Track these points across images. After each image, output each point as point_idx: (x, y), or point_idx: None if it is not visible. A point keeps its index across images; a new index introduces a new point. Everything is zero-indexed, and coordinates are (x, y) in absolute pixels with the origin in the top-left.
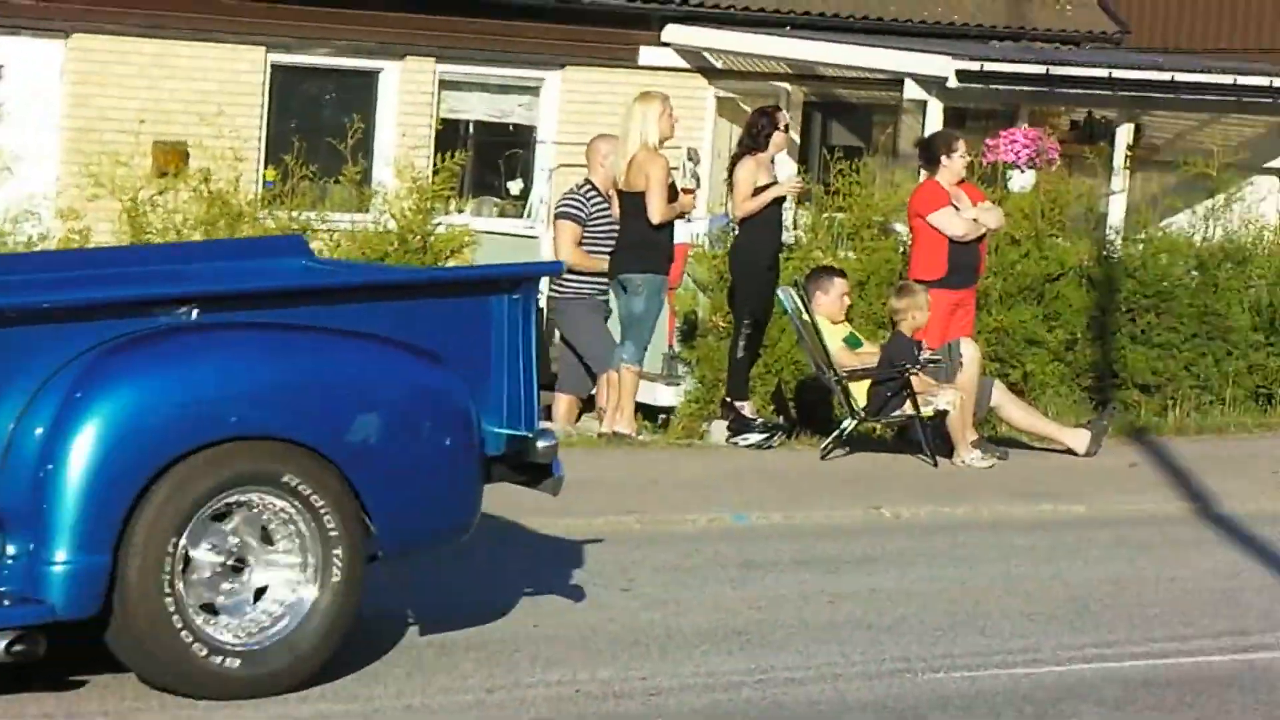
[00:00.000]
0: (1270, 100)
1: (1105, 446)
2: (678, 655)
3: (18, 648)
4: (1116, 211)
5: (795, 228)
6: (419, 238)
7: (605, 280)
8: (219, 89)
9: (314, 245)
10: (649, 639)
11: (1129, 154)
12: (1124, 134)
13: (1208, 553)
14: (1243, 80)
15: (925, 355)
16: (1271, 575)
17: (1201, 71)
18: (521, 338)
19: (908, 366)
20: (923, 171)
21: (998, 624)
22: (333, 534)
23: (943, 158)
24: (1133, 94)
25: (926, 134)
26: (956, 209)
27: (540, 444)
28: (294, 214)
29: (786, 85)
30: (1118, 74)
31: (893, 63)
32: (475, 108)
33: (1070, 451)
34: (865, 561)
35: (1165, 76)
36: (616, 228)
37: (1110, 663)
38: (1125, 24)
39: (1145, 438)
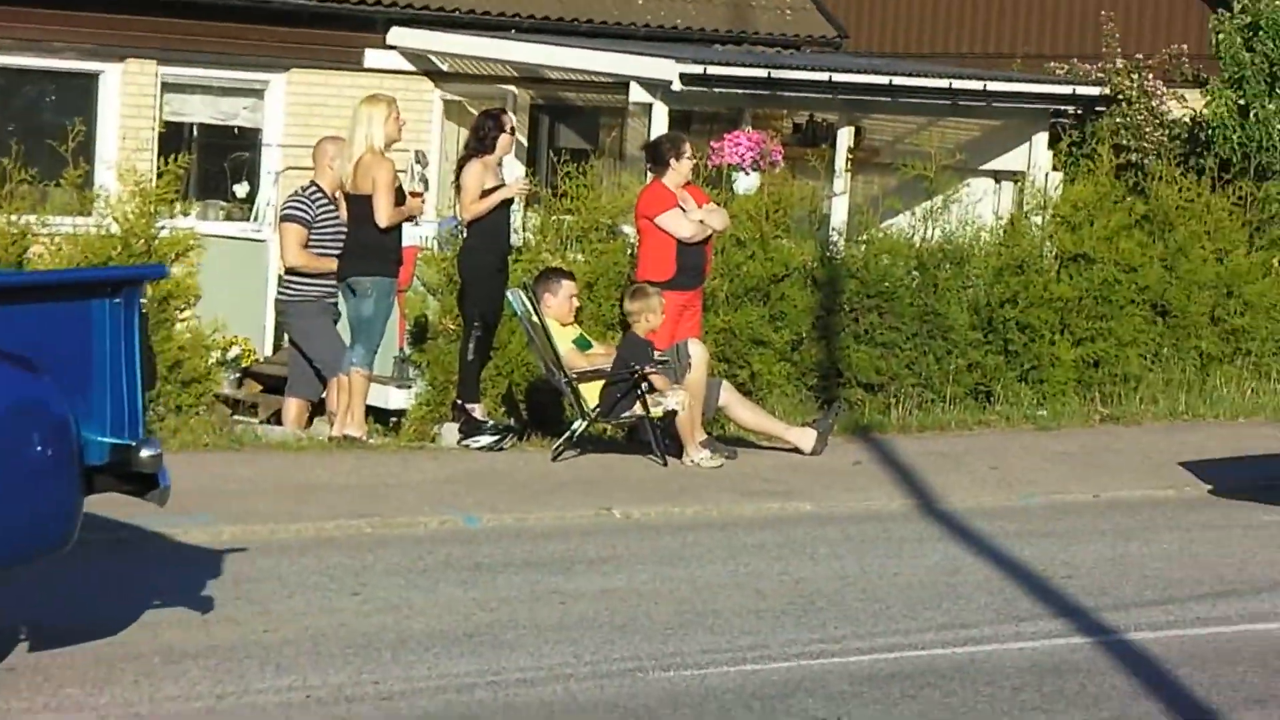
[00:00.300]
0: (984, 104)
1: (831, 445)
2: (410, 658)
3: None
4: (839, 213)
5: (524, 230)
6: (142, 241)
7: (333, 283)
8: None
9: (35, 249)
10: (380, 642)
11: (850, 156)
12: (845, 136)
13: (930, 548)
14: (958, 84)
15: (657, 355)
16: (990, 569)
17: (918, 75)
18: (124, 343)
19: (638, 367)
20: (650, 174)
21: (727, 621)
22: None
23: (669, 160)
24: (852, 97)
25: (653, 137)
26: (684, 211)
27: (144, 453)
28: (13, 217)
29: (513, 88)
30: (838, 77)
31: (618, 66)
32: (199, 110)
33: (797, 450)
34: (596, 562)
35: (883, 80)
36: (344, 230)
37: (836, 657)
38: (844, 29)
39: (869, 436)
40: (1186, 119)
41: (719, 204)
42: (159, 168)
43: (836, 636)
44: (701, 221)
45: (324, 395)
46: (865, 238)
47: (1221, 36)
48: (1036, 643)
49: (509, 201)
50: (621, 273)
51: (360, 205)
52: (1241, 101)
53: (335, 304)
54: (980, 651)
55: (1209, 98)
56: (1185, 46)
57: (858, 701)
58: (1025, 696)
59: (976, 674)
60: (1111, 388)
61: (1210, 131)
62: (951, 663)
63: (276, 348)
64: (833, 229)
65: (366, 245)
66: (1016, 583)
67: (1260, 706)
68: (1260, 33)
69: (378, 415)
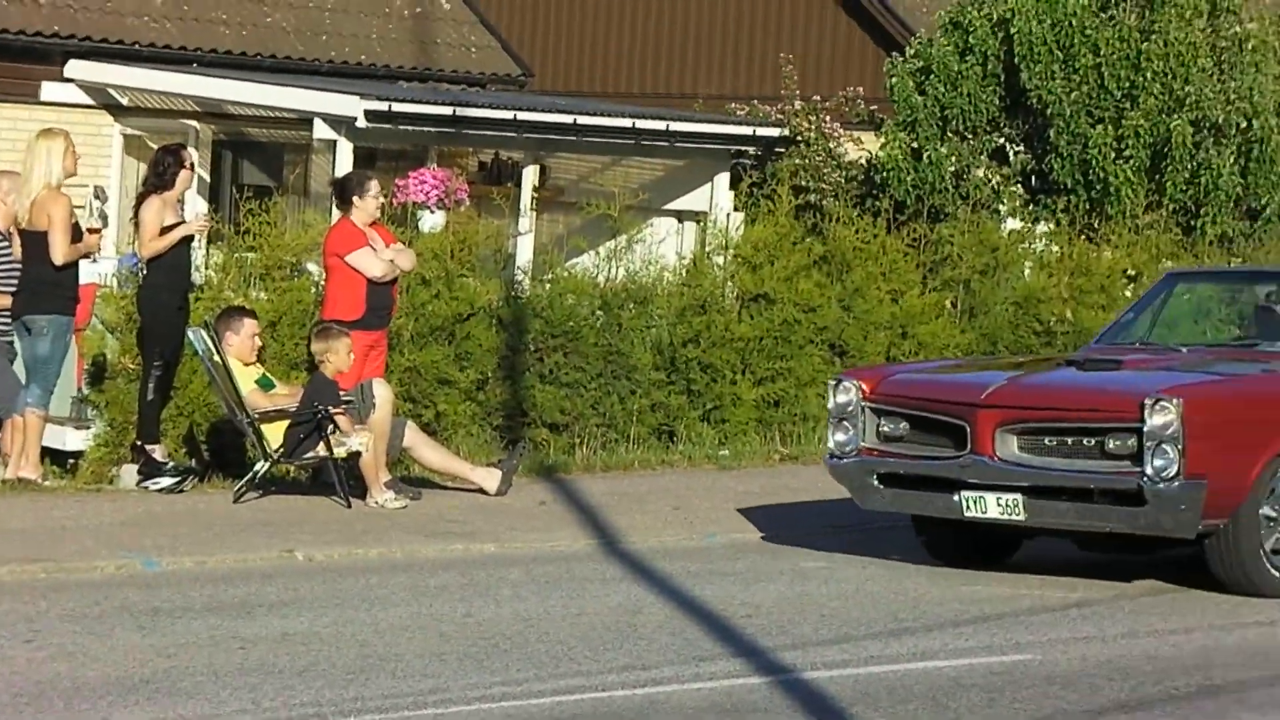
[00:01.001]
0: (667, 144)
1: (516, 485)
2: (83, 706)
3: None
4: (524, 252)
5: (205, 267)
6: None
7: (8, 321)
8: None
9: None
10: (54, 691)
11: (535, 195)
12: (530, 175)
13: (613, 588)
14: (641, 124)
15: (342, 395)
16: (672, 609)
17: (602, 115)
18: None
19: (322, 408)
20: (337, 211)
21: (409, 665)
22: None
23: (355, 198)
24: (537, 136)
25: (338, 174)
26: (374, 250)
27: None
28: None
29: (195, 123)
30: (523, 116)
31: (301, 102)
32: None
33: (482, 491)
34: (278, 605)
35: (568, 119)
36: (19, 267)
37: (518, 700)
38: (529, 68)
39: (555, 476)
40: (863, 161)
41: (405, 242)
42: None
43: (519, 679)
44: (391, 261)
45: None
46: (550, 277)
47: (895, 80)
48: (716, 683)
49: (190, 238)
50: (305, 311)
51: (35, 242)
52: (915, 144)
53: (11, 343)
54: (661, 692)
55: (883, 140)
56: (861, 89)
57: None
58: None
59: (657, 715)
60: (791, 427)
61: (885, 174)
62: (632, 704)
63: None
64: (518, 268)
65: (42, 282)
66: (698, 623)
67: None
68: (931, 76)
69: (54, 457)
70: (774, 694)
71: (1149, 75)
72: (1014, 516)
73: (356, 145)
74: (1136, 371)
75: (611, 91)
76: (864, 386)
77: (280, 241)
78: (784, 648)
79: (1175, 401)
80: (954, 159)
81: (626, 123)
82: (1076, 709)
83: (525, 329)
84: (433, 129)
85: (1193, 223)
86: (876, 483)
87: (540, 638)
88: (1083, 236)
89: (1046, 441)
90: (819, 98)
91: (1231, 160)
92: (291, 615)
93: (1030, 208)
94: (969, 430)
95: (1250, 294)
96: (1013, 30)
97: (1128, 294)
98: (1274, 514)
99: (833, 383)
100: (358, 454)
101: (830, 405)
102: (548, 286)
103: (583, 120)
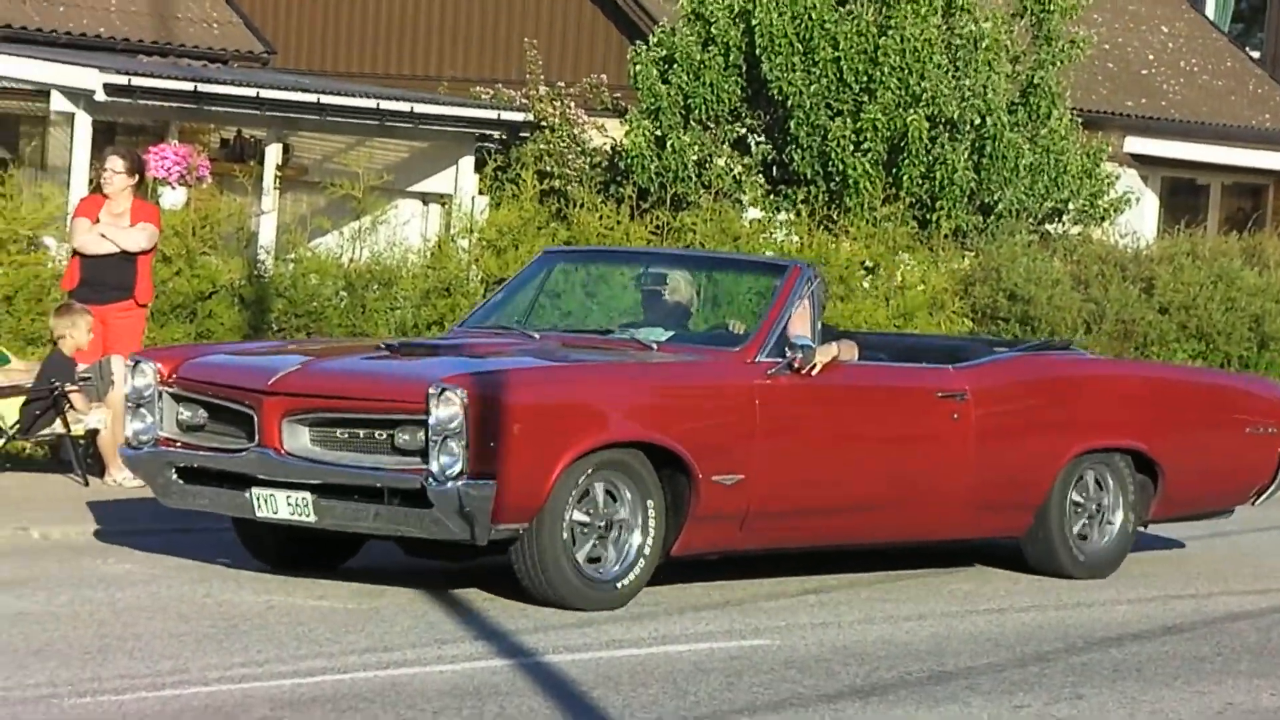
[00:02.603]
0: (412, 125)
1: None
2: None
3: None
4: (267, 231)
5: None
6: None
7: None
8: None
9: None
10: None
11: (278, 174)
12: (273, 153)
13: (356, 572)
14: (386, 105)
15: (79, 371)
16: (414, 592)
17: (347, 95)
18: None
19: (59, 385)
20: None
21: (148, 645)
22: None
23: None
24: (281, 114)
25: (76, 147)
26: (94, 221)
27: None
28: None
29: None
30: (265, 94)
31: (38, 73)
32: None
33: None
34: (12, 584)
35: (312, 98)
36: None
37: (259, 681)
38: (272, 45)
39: None
40: (607, 148)
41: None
42: None
43: (259, 660)
44: (103, 236)
45: None
46: (294, 257)
47: (639, 68)
48: (458, 665)
49: None
50: (42, 286)
51: None
52: (658, 132)
53: None
54: (402, 675)
55: (627, 128)
56: (605, 76)
57: None
58: (445, 719)
59: (398, 697)
60: None
61: (629, 161)
62: (373, 686)
63: None
64: (261, 247)
65: None
66: (440, 606)
67: None
68: (675, 65)
69: None
70: (516, 677)
71: (886, 70)
72: (304, 517)
73: (95, 119)
74: (441, 358)
75: (356, 71)
76: (162, 369)
77: (16, 215)
78: (526, 631)
79: (459, 392)
80: (696, 148)
81: (371, 103)
82: (813, 693)
83: (268, 308)
84: (174, 104)
85: (928, 216)
86: (175, 477)
87: (281, 619)
88: (822, 227)
89: (339, 434)
90: (564, 84)
91: (966, 156)
92: (26, 594)
93: (771, 198)
94: (256, 420)
95: (628, 276)
96: (754, 22)
97: (865, 285)
98: (586, 519)
99: (130, 364)
100: (96, 431)
101: (128, 390)
102: (291, 266)
103: (326, 99)
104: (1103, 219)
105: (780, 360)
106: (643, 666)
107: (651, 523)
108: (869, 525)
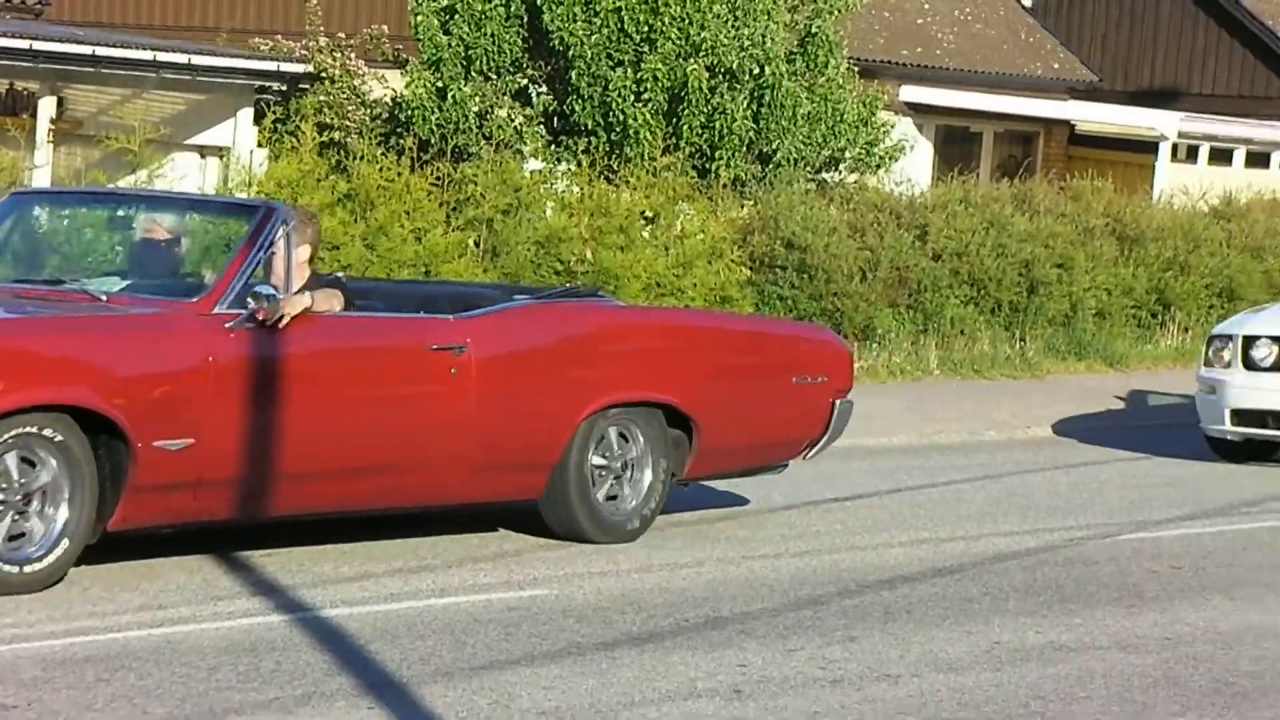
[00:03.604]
0: (189, 77)
1: None
2: None
3: None
4: (41, 185)
5: None
6: None
7: None
8: None
9: None
10: None
11: (52, 127)
12: (47, 107)
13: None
14: (162, 56)
15: None
16: (188, 549)
17: (122, 46)
18: None
19: None
20: None
21: None
22: None
23: None
24: (54, 66)
25: None
26: None
27: None
28: None
29: None
30: (39, 45)
31: None
32: None
33: None
34: None
35: (86, 50)
36: None
37: (30, 642)
38: None
39: None
40: (388, 99)
41: None
42: None
43: (31, 620)
44: None
45: None
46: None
47: (420, 19)
48: (234, 621)
49: None
50: None
51: None
52: (439, 84)
53: None
54: (177, 632)
55: (408, 79)
56: (386, 27)
57: (50, 687)
58: (221, 676)
59: (173, 655)
60: None
61: (410, 112)
62: (148, 644)
63: None
64: None
65: None
66: (216, 563)
67: (447, 679)
68: (456, 16)
69: None
70: (292, 632)
71: (666, 20)
72: None
73: None
74: None
75: (132, 23)
76: None
77: None
78: (304, 586)
79: None
80: (478, 99)
81: (147, 55)
82: (590, 642)
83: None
84: None
85: (708, 166)
86: None
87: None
88: (602, 178)
89: None
90: (344, 35)
91: (745, 105)
92: None
93: (552, 149)
94: None
95: (103, 219)
96: None
97: (645, 235)
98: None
99: None
100: None
101: None
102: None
103: (101, 51)
104: (878, 167)
105: (242, 312)
106: (420, 619)
107: (84, 495)
108: (358, 492)
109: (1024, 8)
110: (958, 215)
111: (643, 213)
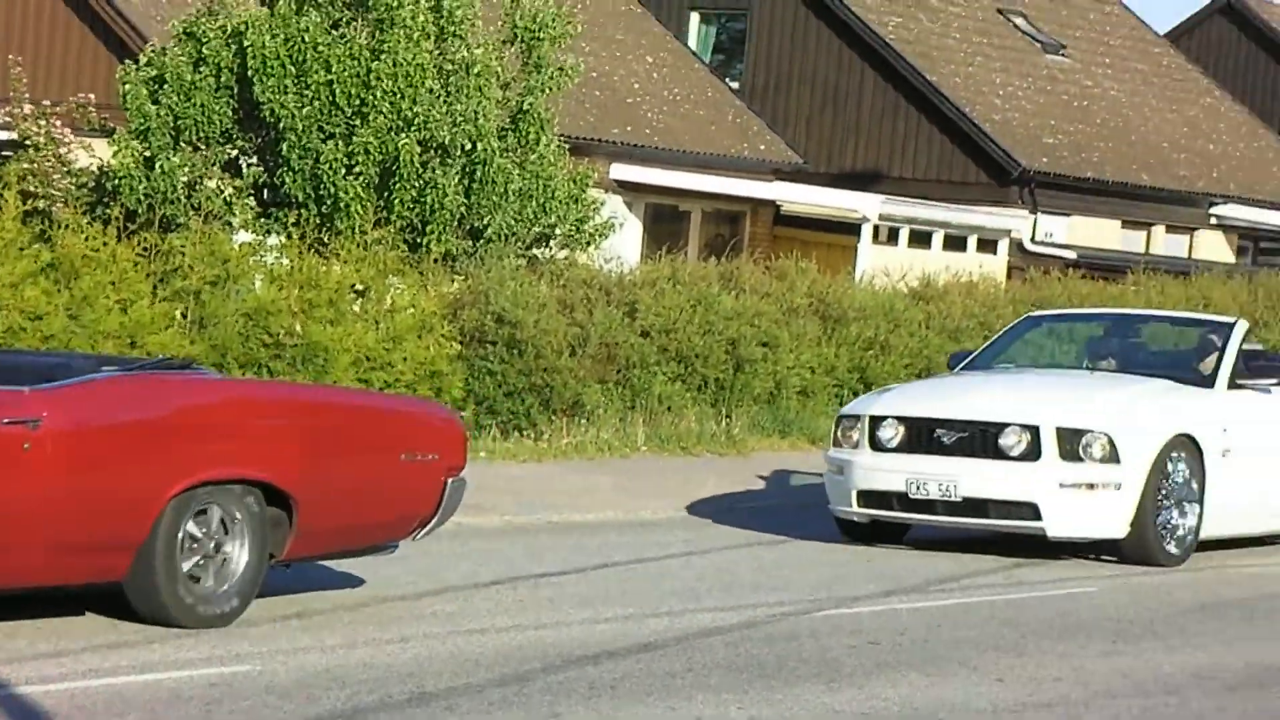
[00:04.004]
0: None
1: None
2: None
3: None
4: None
5: None
6: None
7: None
8: None
9: None
10: None
11: None
12: None
13: None
14: None
15: None
16: None
17: None
18: None
19: None
20: None
21: None
22: None
23: None
24: None
25: None
26: None
27: None
28: None
29: None
30: None
31: None
32: None
33: None
34: None
35: None
36: None
37: None
38: None
39: None
40: (94, 168)
41: None
42: None
43: None
44: None
45: None
46: None
47: (128, 88)
48: None
49: None
50: None
51: None
52: (147, 154)
53: None
54: None
55: (115, 148)
56: (93, 96)
57: None
58: None
59: None
60: None
61: (117, 182)
62: None
63: None
64: None
65: None
66: None
67: None
68: (165, 86)
69: None
70: None
71: (379, 94)
72: None
73: None
74: None
75: None
76: None
77: None
78: None
79: None
80: (187, 169)
81: None
82: (293, 718)
83: None
84: None
85: (419, 240)
86: None
87: None
88: (313, 250)
89: None
90: (49, 102)
91: (456, 180)
92: None
93: (262, 220)
94: None
95: None
96: (246, 44)
97: (355, 308)
98: None
99: None
100: None
101: None
102: None
103: None
104: (588, 244)
105: None
106: (120, 696)
107: None
108: None
109: (732, 90)
110: (666, 293)
111: (353, 286)
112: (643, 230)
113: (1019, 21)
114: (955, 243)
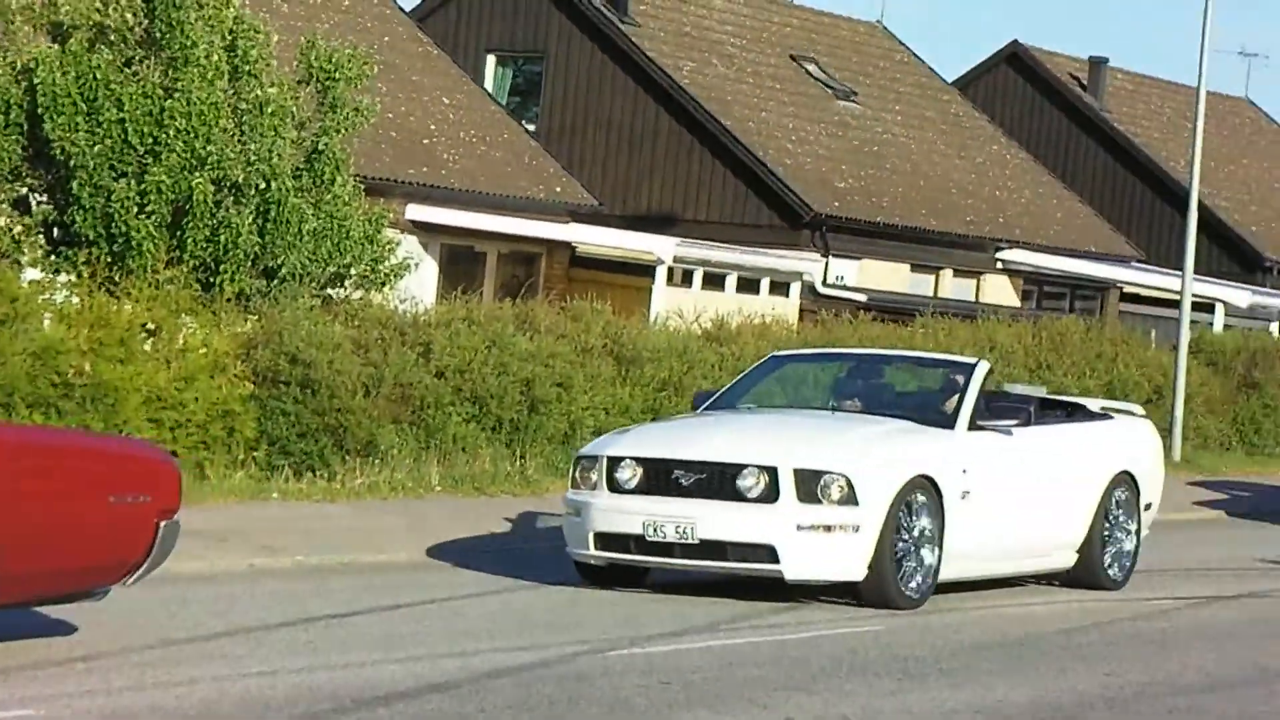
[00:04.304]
0: None
1: None
2: None
3: None
4: None
5: None
6: None
7: None
8: None
9: None
10: None
11: None
12: None
13: None
14: None
15: None
16: None
17: None
18: None
19: None
20: None
21: None
22: None
23: None
24: None
25: None
26: None
27: None
28: None
29: None
30: None
31: None
32: None
33: None
34: None
35: None
36: None
37: None
38: None
39: None
40: None
41: None
42: None
43: None
44: None
45: None
46: None
47: None
48: None
49: None
50: None
51: None
52: None
53: None
54: None
55: None
56: None
57: None
58: None
59: None
60: None
61: None
62: None
63: None
64: None
65: None
66: None
67: None
68: None
69: None
70: None
71: (172, 133)
72: None
73: None
74: None
75: None
76: None
77: None
78: None
79: None
80: None
81: None
82: None
83: None
84: None
85: (212, 279)
86: None
87: None
88: (103, 289)
89: None
90: None
91: (250, 219)
92: None
93: (52, 258)
94: None
95: None
96: (36, 80)
97: (146, 348)
98: None
99: None
100: None
101: None
102: None
103: None
104: (384, 284)
105: None
106: None
107: None
108: None
109: (529, 132)
110: (461, 333)
111: (144, 325)
112: (438, 271)
113: (811, 68)
114: (748, 285)
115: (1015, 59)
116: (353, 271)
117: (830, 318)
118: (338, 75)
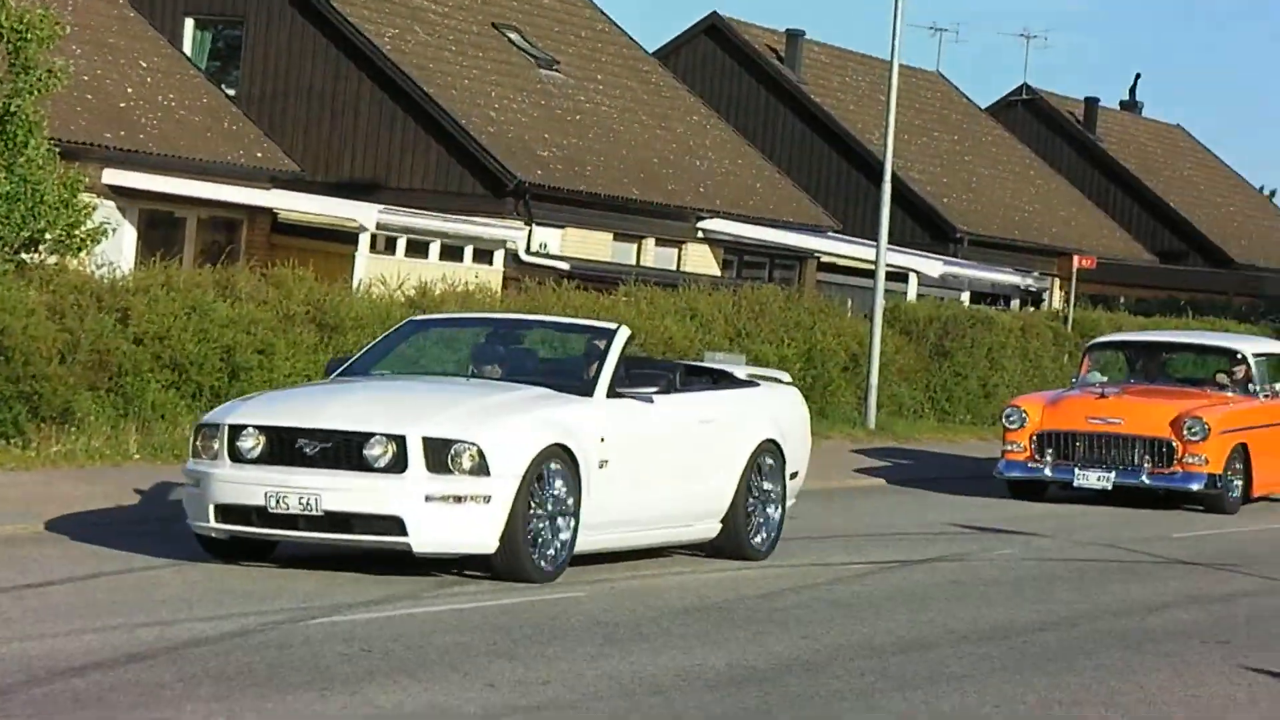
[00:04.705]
0: None
1: None
2: None
3: None
4: None
5: None
6: None
7: None
8: None
9: None
10: None
11: None
12: None
13: None
14: None
15: None
16: None
17: None
18: None
19: None
20: None
21: None
22: None
23: None
24: None
25: None
26: None
27: None
28: None
29: None
30: None
31: None
32: None
33: None
34: None
35: None
36: None
37: None
38: None
39: None
40: None
41: None
42: None
43: None
44: None
45: None
46: None
47: None
48: None
49: None
50: None
51: None
52: None
53: None
54: None
55: None
56: None
57: None
58: None
59: None
60: None
61: None
62: None
63: None
64: None
65: None
66: None
67: None
68: None
69: None
70: None
71: None
72: None
73: None
74: None
75: None
76: None
77: None
78: None
79: None
80: None
81: None
82: None
83: None
84: None
85: None
86: None
87: None
88: None
89: None
90: None
91: None
92: None
93: None
94: None
95: None
96: None
97: None
98: None
99: None
100: None
101: None
102: None
103: None
104: (80, 249)
105: None
106: None
107: None
108: None
109: (229, 97)
110: (160, 299)
111: None
112: (137, 236)
113: (514, 37)
114: (452, 252)
115: (714, 30)
116: (47, 236)
117: (534, 285)
118: (29, 35)
